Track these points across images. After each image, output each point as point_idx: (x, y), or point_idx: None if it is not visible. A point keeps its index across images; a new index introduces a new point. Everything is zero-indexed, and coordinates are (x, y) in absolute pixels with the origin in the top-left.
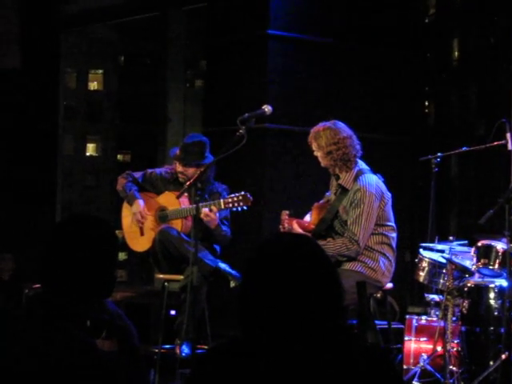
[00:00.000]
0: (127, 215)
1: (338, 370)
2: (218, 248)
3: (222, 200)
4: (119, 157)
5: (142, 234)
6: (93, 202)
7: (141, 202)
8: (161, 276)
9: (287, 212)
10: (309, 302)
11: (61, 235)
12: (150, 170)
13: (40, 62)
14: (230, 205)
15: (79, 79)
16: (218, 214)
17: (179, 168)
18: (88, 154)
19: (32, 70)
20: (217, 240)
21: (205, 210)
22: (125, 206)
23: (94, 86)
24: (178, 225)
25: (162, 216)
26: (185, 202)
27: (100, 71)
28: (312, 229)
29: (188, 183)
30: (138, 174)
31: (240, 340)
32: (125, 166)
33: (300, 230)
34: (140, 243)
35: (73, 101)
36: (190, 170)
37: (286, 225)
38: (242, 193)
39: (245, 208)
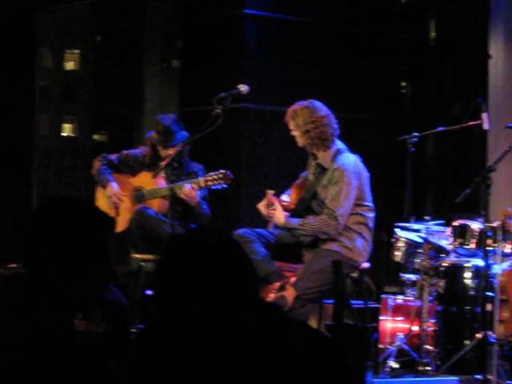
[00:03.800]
0: (101, 198)
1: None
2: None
3: (202, 178)
4: (96, 137)
5: (117, 214)
6: (69, 182)
7: (114, 185)
8: (137, 256)
9: (272, 191)
10: (221, 284)
11: (46, 218)
12: (125, 152)
13: (15, 42)
14: (210, 183)
15: (55, 59)
16: (198, 192)
17: (163, 152)
18: (64, 134)
19: (7, 49)
20: (196, 218)
21: (187, 187)
22: (98, 189)
23: (70, 65)
24: (154, 205)
25: (139, 196)
26: (161, 182)
27: (76, 51)
28: (292, 208)
29: (164, 163)
30: (113, 156)
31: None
32: (101, 146)
33: (280, 209)
34: (116, 224)
35: (49, 81)
36: (172, 150)
37: (272, 204)
38: (223, 171)
39: (225, 186)
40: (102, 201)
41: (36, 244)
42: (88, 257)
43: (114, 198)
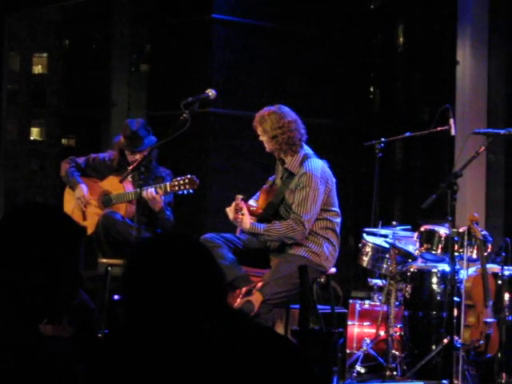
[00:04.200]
0: (69, 200)
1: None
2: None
3: (168, 183)
4: (64, 141)
5: (84, 218)
6: (37, 187)
7: (83, 187)
8: (104, 260)
9: (241, 196)
10: (189, 288)
11: (16, 224)
12: (93, 156)
13: None
14: (177, 188)
15: (23, 62)
16: (163, 198)
17: (130, 157)
18: (32, 138)
19: None
20: (159, 224)
21: (150, 190)
22: (67, 191)
23: (38, 69)
24: (121, 209)
25: (106, 200)
26: (129, 187)
27: (44, 55)
28: (260, 213)
29: (131, 167)
30: (81, 160)
31: (126, 328)
32: (69, 150)
33: (248, 215)
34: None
35: (17, 84)
36: (140, 155)
37: (241, 209)
38: (189, 176)
39: (191, 191)
40: (70, 203)
41: (5, 248)
42: (58, 265)
43: (82, 200)
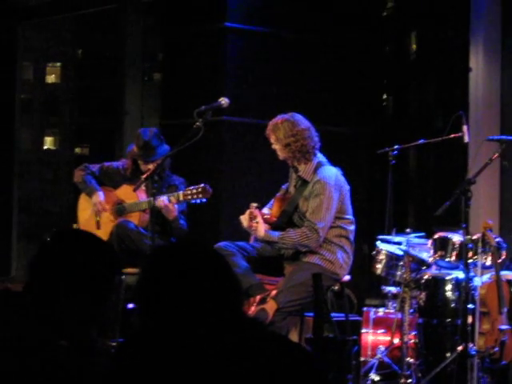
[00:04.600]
0: (84, 208)
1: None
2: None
3: (181, 192)
4: (77, 150)
5: (98, 227)
6: (50, 196)
7: (101, 194)
8: None
9: (255, 205)
10: (205, 296)
11: (57, 250)
12: (106, 164)
13: None
14: (189, 197)
15: (36, 72)
16: (176, 206)
17: (144, 166)
18: (46, 147)
19: None
20: (173, 233)
21: (162, 199)
22: (82, 198)
23: (51, 79)
24: (135, 218)
25: (120, 209)
26: (142, 196)
27: (58, 64)
28: (274, 221)
29: (144, 176)
30: (94, 168)
31: (141, 336)
32: (83, 159)
33: (262, 223)
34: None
35: (30, 94)
36: (153, 165)
37: (255, 217)
38: (202, 185)
39: (204, 200)
40: (85, 211)
41: (43, 272)
42: (91, 296)
43: (99, 206)
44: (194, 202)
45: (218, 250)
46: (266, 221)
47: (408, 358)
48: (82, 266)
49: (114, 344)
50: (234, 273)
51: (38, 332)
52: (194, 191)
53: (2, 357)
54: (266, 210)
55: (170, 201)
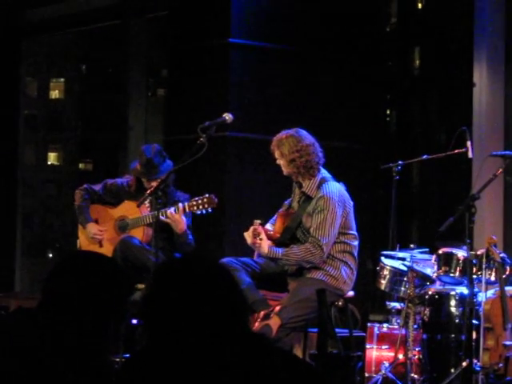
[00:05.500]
0: (83, 232)
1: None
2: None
3: (186, 203)
4: (81, 165)
5: (100, 245)
6: (54, 211)
7: (92, 226)
8: None
9: (259, 221)
10: (210, 313)
11: (72, 272)
12: (110, 181)
13: (0, 70)
14: (195, 207)
15: (40, 88)
16: (184, 219)
17: (147, 184)
18: (49, 162)
19: None
20: (180, 248)
21: (169, 211)
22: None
23: (55, 94)
24: (139, 234)
25: (123, 225)
26: (145, 212)
27: (61, 80)
28: (277, 237)
29: (148, 191)
30: (97, 187)
31: (149, 349)
32: (87, 174)
33: (266, 239)
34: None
35: (34, 110)
36: (156, 182)
37: (259, 234)
38: (207, 195)
39: (209, 210)
40: (84, 236)
41: (57, 293)
42: (104, 320)
43: (96, 237)
44: (199, 212)
45: None
46: (269, 237)
47: (412, 374)
48: (96, 287)
49: (117, 359)
50: (239, 287)
51: (52, 351)
52: (200, 202)
53: (16, 375)
54: (268, 226)
55: (175, 211)
